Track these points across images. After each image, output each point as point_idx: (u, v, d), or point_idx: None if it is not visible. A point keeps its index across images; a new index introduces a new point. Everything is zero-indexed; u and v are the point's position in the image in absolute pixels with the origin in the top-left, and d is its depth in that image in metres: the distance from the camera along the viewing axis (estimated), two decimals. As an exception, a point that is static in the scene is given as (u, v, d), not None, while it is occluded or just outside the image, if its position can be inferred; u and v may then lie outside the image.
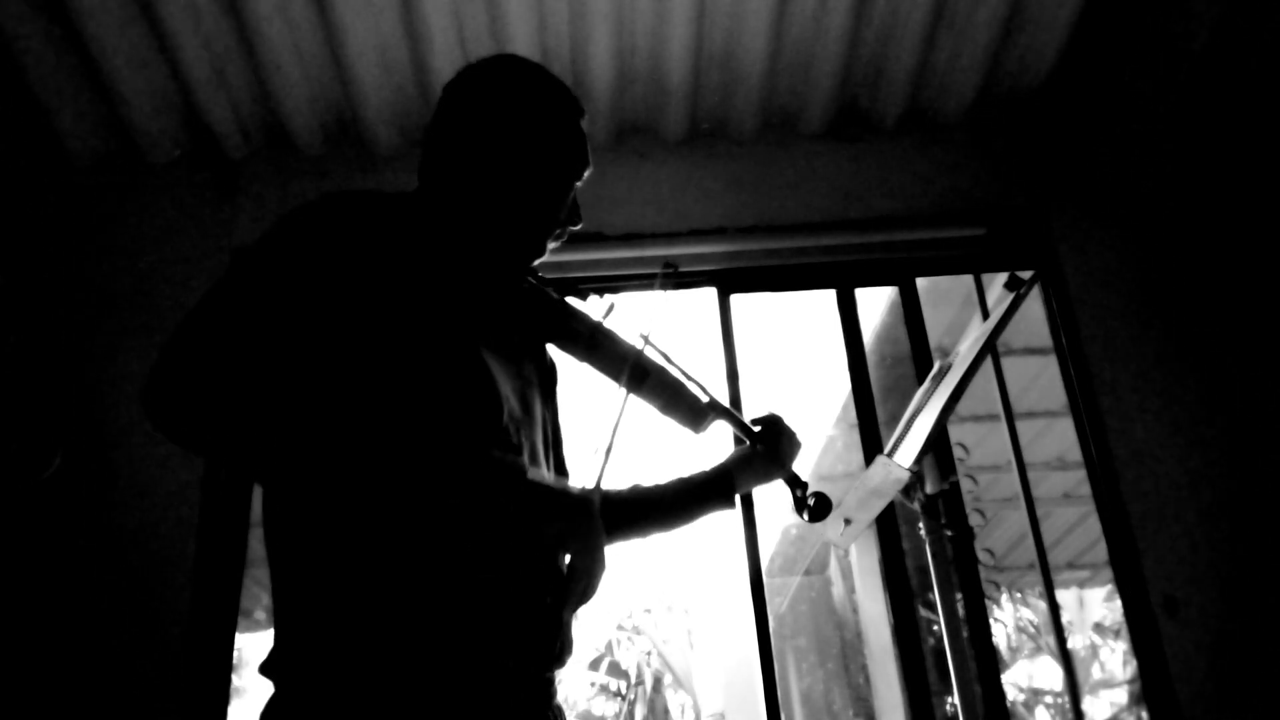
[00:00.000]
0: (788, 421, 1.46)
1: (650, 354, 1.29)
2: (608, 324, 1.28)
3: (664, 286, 1.35)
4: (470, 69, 1.30)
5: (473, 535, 1.05)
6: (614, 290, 2.71)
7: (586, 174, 1.31)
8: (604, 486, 1.36)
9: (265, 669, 1.03)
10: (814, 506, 1.37)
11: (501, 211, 1.23)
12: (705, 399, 1.33)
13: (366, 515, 1.02)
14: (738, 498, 1.48)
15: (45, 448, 2.38)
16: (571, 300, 1.29)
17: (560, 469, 1.41)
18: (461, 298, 1.17)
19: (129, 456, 2.43)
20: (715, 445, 1.69)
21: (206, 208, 2.76)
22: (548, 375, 1.34)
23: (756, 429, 1.44)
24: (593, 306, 1.29)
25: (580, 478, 1.45)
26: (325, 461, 0.95)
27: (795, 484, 1.41)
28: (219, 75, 2.61)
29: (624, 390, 1.23)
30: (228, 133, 2.75)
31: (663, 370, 1.30)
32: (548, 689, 1.10)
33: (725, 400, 1.40)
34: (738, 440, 1.49)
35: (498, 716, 1.02)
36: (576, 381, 1.41)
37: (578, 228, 1.33)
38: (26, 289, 2.61)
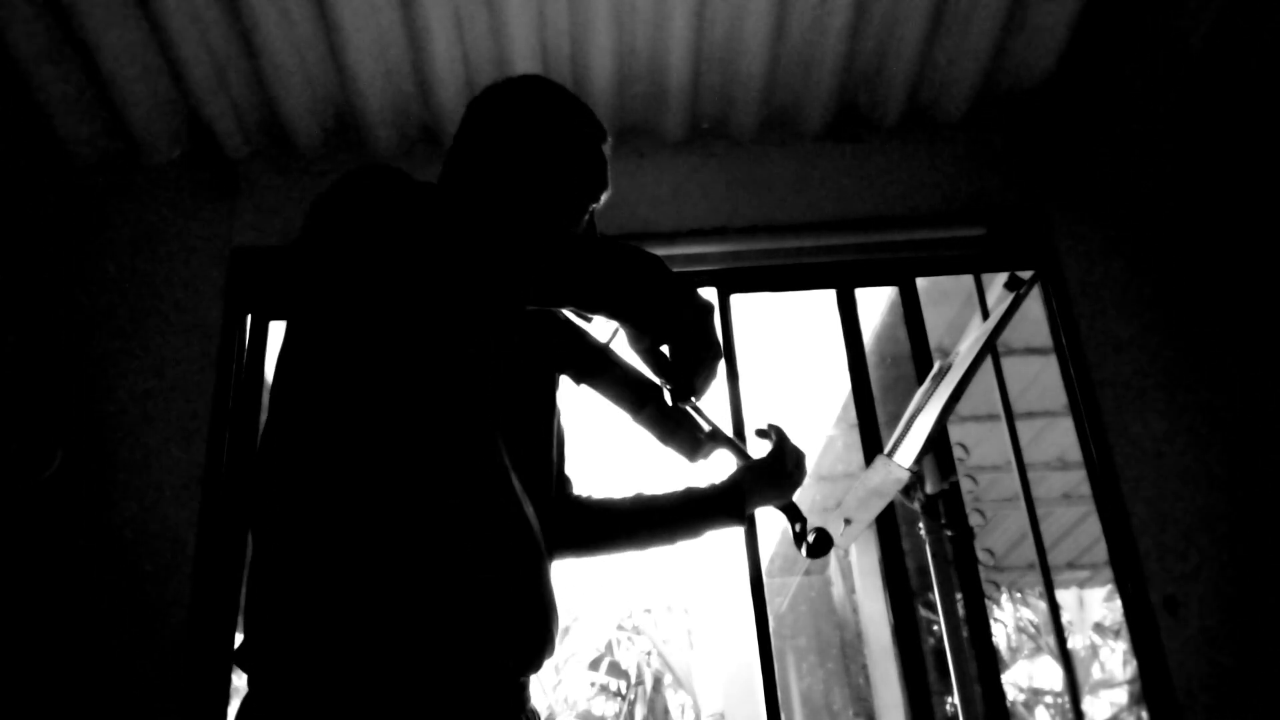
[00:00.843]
0: (799, 452, 1.41)
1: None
2: (613, 347, 1.23)
3: None
4: (494, 87, 1.29)
5: (480, 525, 1.03)
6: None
7: (605, 197, 1.29)
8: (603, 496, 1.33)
9: (238, 659, 0.99)
10: (814, 543, 1.35)
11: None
12: (707, 427, 1.28)
13: (372, 495, 0.99)
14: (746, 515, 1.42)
15: (45, 448, 2.39)
16: (575, 320, 1.24)
17: (562, 480, 1.40)
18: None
19: (129, 456, 2.44)
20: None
21: (206, 208, 2.76)
22: (549, 388, 1.33)
23: (765, 449, 1.40)
24: (598, 329, 1.24)
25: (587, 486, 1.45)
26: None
27: (796, 518, 1.38)
28: (219, 75, 2.61)
29: (630, 417, 1.20)
30: (228, 133, 2.75)
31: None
32: (521, 693, 1.07)
33: (726, 404, 1.37)
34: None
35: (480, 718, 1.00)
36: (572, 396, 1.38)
37: None
38: (26, 289, 2.61)
